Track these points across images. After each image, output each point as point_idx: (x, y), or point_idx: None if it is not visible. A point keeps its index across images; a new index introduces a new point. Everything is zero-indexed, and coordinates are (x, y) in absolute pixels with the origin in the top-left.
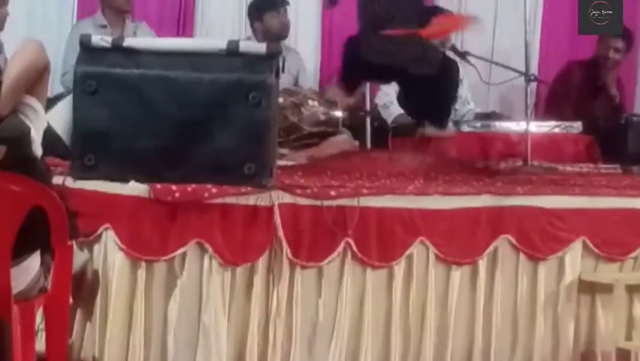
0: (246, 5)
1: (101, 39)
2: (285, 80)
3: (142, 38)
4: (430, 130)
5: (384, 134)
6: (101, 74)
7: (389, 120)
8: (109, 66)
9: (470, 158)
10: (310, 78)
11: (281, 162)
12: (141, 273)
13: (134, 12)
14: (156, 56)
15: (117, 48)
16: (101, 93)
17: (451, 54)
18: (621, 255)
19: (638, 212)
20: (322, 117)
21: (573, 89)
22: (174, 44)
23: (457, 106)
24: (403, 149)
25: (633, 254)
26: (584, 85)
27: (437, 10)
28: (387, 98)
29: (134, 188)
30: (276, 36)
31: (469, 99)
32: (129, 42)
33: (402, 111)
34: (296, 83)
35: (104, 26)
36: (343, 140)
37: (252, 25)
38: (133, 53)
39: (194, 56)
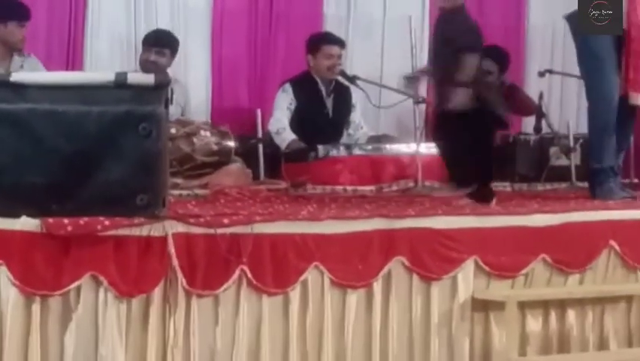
0: (135, 37)
1: None
2: (172, 111)
3: (29, 73)
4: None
5: (276, 160)
6: None
7: (282, 146)
8: None
9: (362, 181)
10: (201, 111)
11: (175, 192)
12: (36, 308)
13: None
14: (44, 90)
15: (4, 83)
16: None
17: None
18: (512, 272)
19: (527, 230)
20: (215, 147)
21: None
22: (62, 78)
23: (351, 131)
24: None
25: (524, 271)
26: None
27: None
28: (280, 125)
29: (26, 223)
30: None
31: (362, 124)
32: (16, 77)
33: (294, 137)
34: (183, 114)
35: None
36: (237, 169)
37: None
38: (20, 87)
39: (83, 89)
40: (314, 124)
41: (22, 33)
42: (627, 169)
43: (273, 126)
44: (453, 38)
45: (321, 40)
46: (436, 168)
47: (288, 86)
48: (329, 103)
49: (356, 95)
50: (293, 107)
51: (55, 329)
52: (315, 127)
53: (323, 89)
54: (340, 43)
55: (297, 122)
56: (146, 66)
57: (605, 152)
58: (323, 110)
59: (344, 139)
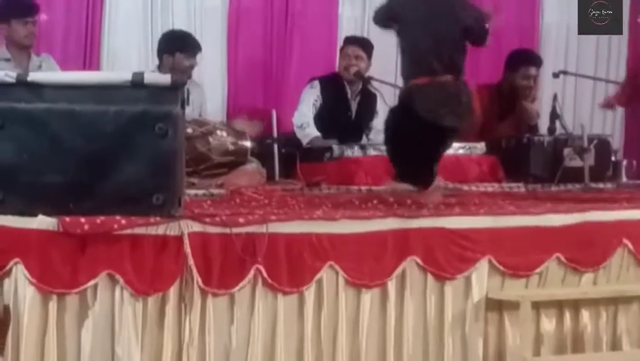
0: (152, 36)
1: (6, 74)
2: (189, 113)
3: (46, 73)
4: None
5: (292, 160)
6: (6, 110)
7: (305, 141)
8: (14, 101)
9: (377, 181)
10: (217, 111)
11: (191, 191)
12: (53, 306)
13: (39, 45)
14: (61, 89)
15: (22, 83)
16: (7, 128)
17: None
18: (526, 271)
19: (541, 229)
20: (231, 147)
21: (481, 111)
22: (79, 78)
23: (372, 136)
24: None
25: (538, 270)
26: (490, 109)
27: None
28: (304, 119)
29: (43, 222)
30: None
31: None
32: (34, 77)
33: (318, 134)
34: (200, 115)
35: (8, 60)
36: (252, 169)
37: (159, 55)
38: (38, 87)
39: (99, 89)
40: (336, 124)
41: (29, 29)
42: None
43: (297, 120)
44: None
45: (344, 41)
46: (449, 168)
47: (316, 83)
48: (353, 106)
49: (381, 102)
50: (318, 104)
51: (71, 327)
52: (337, 128)
53: (349, 91)
54: (359, 43)
55: (319, 121)
56: (189, 70)
57: None
58: (347, 112)
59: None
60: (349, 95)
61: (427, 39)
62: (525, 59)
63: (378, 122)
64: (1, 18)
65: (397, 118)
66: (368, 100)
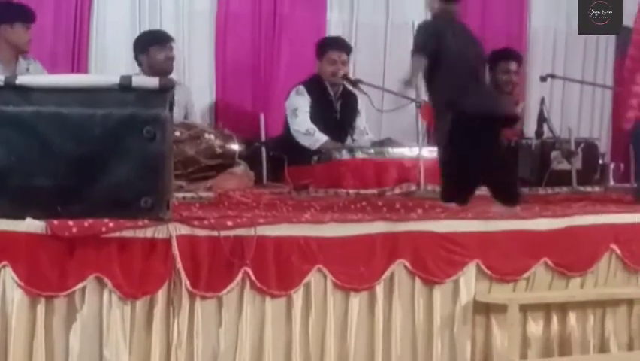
0: None
1: None
2: (174, 114)
3: (34, 76)
4: None
5: (280, 164)
6: None
7: (315, 146)
8: (2, 104)
9: (365, 184)
10: (205, 115)
11: (179, 195)
12: (41, 309)
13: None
14: (49, 92)
15: (10, 86)
16: None
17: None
18: (514, 275)
19: (528, 233)
20: (219, 150)
21: None
22: (67, 81)
23: (356, 136)
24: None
25: (525, 274)
26: None
27: None
28: (309, 125)
29: (31, 225)
30: (161, 70)
31: (367, 130)
32: (22, 80)
33: (327, 137)
34: (186, 117)
35: None
36: (240, 172)
37: (137, 59)
38: (26, 90)
39: (88, 92)
40: (323, 126)
41: (29, 35)
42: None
43: (301, 127)
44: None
45: (326, 46)
46: (438, 171)
47: (302, 89)
48: (337, 107)
49: (361, 101)
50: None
51: (59, 330)
52: (324, 129)
53: (332, 92)
54: (345, 48)
55: None
56: (166, 64)
57: None
58: (332, 114)
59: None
60: (332, 97)
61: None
62: (503, 54)
63: (361, 122)
64: (5, 20)
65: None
66: (350, 100)
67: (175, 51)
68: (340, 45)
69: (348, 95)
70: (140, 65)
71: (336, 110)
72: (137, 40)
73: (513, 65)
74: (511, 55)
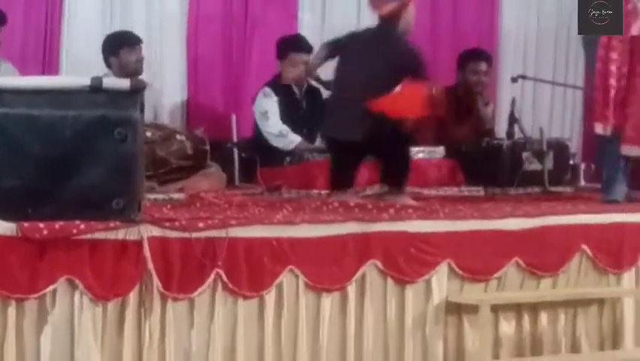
0: None
1: None
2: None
3: (4, 77)
4: None
5: (252, 165)
6: None
7: (289, 147)
8: None
9: None
10: (176, 116)
11: (151, 196)
12: (12, 312)
13: None
14: (19, 94)
15: None
16: None
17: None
18: (485, 275)
19: (500, 233)
20: (190, 151)
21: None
22: (37, 82)
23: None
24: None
25: (497, 274)
26: (448, 110)
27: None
28: (281, 127)
29: (1, 226)
30: (132, 72)
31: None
32: None
33: (301, 138)
34: (155, 118)
35: None
36: (212, 173)
37: (106, 61)
38: None
39: (58, 94)
40: (292, 125)
41: (1, 38)
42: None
43: (273, 129)
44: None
45: (287, 47)
46: (411, 172)
47: (269, 90)
48: (303, 104)
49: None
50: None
51: (31, 333)
52: (293, 128)
53: (297, 91)
54: (306, 49)
55: None
56: (137, 65)
57: None
58: (299, 112)
59: (317, 142)
60: (298, 95)
61: None
62: (472, 54)
63: None
64: None
65: None
66: (315, 96)
67: (146, 52)
68: (301, 46)
69: (312, 91)
70: (109, 66)
71: (302, 107)
72: (105, 42)
73: (482, 66)
74: (480, 55)
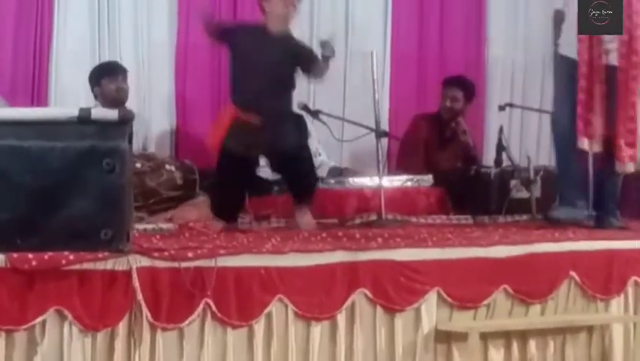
0: None
1: None
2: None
3: None
4: None
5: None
6: None
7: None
8: None
9: (325, 214)
10: (165, 146)
11: (140, 226)
12: (1, 343)
13: None
14: (8, 125)
15: None
16: None
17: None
18: (474, 303)
19: (489, 261)
20: (179, 181)
21: (421, 142)
22: (25, 114)
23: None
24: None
25: (486, 301)
26: (431, 137)
27: None
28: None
29: None
30: (114, 101)
31: (320, 151)
32: None
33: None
34: (144, 147)
35: None
36: (201, 202)
37: (93, 92)
38: None
39: (46, 125)
40: None
41: None
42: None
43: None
44: None
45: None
46: (398, 200)
47: None
48: None
49: (312, 125)
50: None
51: None
52: None
53: None
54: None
55: None
56: (119, 94)
57: None
58: None
59: None
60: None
61: None
62: (449, 81)
63: (312, 143)
64: None
65: None
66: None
67: (134, 81)
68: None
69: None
70: (95, 97)
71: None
72: (90, 73)
73: (457, 93)
74: (456, 82)
